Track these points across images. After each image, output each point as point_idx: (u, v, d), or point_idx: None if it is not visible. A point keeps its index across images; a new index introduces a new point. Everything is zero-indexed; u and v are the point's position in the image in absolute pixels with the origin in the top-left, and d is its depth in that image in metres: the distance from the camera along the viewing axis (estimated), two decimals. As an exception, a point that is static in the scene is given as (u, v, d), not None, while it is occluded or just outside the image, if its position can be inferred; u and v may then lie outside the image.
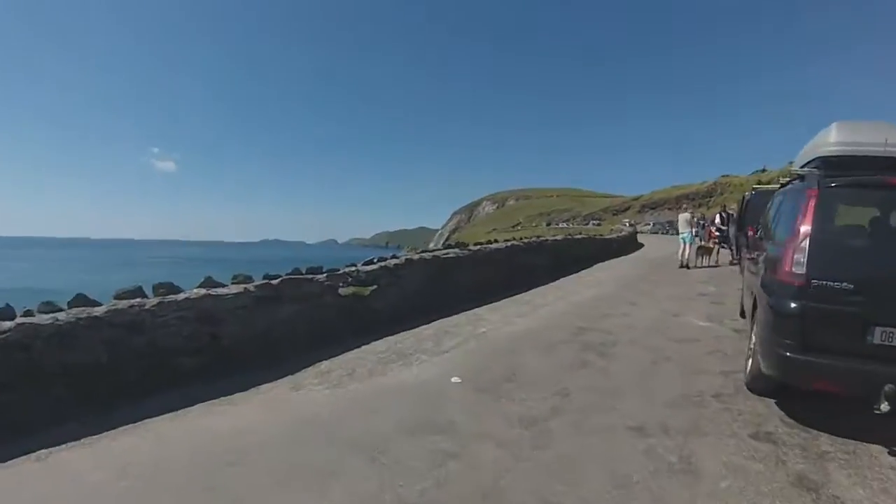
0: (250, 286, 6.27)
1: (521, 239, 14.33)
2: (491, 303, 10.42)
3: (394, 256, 9.16)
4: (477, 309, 9.75)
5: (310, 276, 7.04)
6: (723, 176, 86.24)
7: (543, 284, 13.53)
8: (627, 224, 76.65)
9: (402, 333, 7.74)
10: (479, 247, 11.41)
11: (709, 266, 18.80)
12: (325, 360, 6.37)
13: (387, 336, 7.54)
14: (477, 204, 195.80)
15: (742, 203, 16.73)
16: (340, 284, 7.38)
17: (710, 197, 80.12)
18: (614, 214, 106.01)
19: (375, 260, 8.69)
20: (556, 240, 16.62)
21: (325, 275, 7.26)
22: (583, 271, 17.10)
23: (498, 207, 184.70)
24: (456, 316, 9.09)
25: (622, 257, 24.26)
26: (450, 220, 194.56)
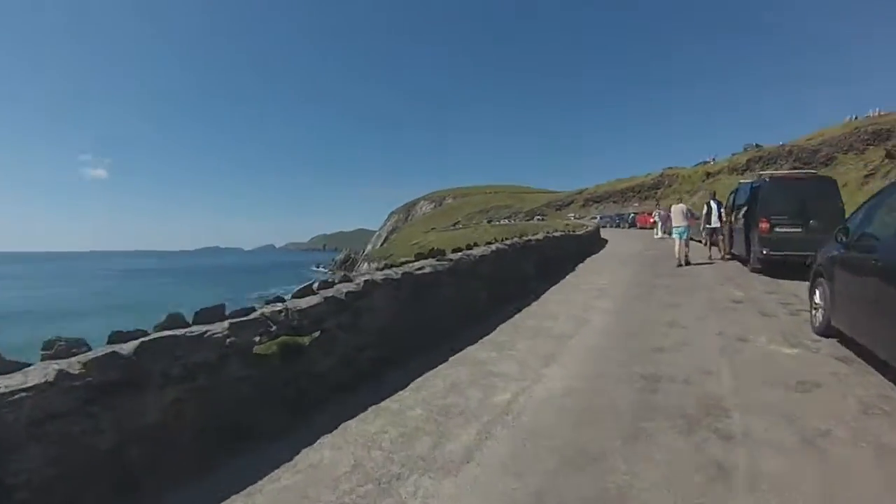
0: (74, 366, 3.10)
1: (504, 240, 11.41)
2: (489, 334, 7.45)
3: (344, 279, 5.98)
4: (474, 348, 6.75)
5: (199, 332, 3.82)
6: (668, 168, 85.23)
7: (540, 296, 10.77)
8: (573, 217, 75.02)
9: (370, 415, 4.52)
10: (460, 255, 8.39)
11: (705, 262, 16.53)
12: (235, 497, 3.29)
13: (345, 421, 4.36)
14: (414, 204, 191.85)
15: (750, 193, 14.55)
16: (257, 338, 4.22)
17: (658, 189, 78.85)
18: (557, 209, 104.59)
19: (316, 286, 5.53)
20: (539, 239, 13.79)
21: (227, 323, 4.05)
22: (570, 276, 14.39)
23: (436, 206, 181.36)
24: (447, 366, 5.98)
25: (595, 255, 21.82)
26: (387, 220, 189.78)
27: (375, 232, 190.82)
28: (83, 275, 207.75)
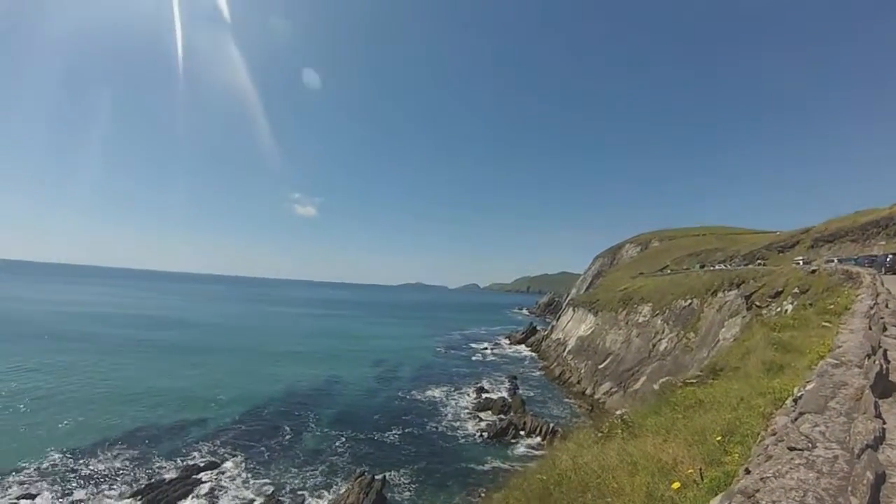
0: None
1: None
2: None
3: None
4: None
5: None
6: (919, 199, 70.50)
7: None
8: (801, 262, 65.04)
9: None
10: None
11: None
12: None
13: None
14: (620, 247, 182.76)
15: None
16: None
17: (916, 222, 64.80)
18: (780, 252, 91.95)
19: None
20: None
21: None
22: None
23: (642, 250, 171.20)
24: None
25: None
26: (592, 264, 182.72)
27: (580, 276, 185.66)
28: (293, 303, 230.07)
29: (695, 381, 13.10)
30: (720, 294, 57.46)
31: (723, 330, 48.70)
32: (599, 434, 9.45)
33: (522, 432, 45.82)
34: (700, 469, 5.99)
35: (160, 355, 71.28)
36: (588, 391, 64.44)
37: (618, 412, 11.00)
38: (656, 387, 22.48)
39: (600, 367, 68.26)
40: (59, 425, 40.17)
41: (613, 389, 59.31)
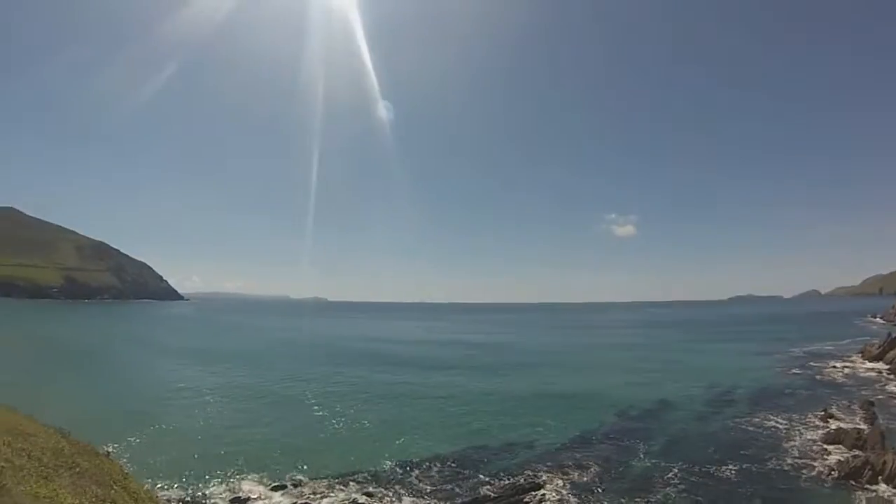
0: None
1: None
2: None
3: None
4: None
5: None
6: None
7: None
8: None
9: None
10: None
11: None
12: None
13: None
14: None
15: None
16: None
17: None
18: None
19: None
20: None
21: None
22: None
23: None
24: None
25: None
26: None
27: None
28: (612, 326, 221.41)
29: None
30: None
31: None
32: None
33: (881, 476, 38.42)
34: None
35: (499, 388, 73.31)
36: (972, 423, 54.00)
37: None
38: None
39: None
40: (397, 441, 45.25)
41: None
